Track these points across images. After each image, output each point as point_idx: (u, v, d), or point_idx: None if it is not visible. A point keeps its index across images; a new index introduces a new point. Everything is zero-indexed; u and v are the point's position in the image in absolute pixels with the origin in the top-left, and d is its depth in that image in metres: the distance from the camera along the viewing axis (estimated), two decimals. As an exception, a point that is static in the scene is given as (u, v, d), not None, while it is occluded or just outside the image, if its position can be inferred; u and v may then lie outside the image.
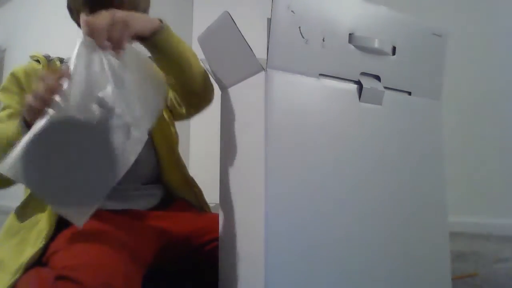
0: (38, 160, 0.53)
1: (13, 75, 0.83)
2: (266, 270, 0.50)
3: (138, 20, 0.64)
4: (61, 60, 0.90)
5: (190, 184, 0.89)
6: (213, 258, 0.66)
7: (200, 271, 0.74)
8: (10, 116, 0.79)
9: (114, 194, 0.77)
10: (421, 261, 0.64)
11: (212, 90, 0.82)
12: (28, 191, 0.82)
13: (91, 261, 0.54)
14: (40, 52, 0.91)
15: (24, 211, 0.71)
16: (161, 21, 0.69)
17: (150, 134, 0.84)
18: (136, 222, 0.72)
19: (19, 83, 0.81)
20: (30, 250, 0.62)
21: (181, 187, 0.88)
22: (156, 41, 0.67)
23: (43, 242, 0.62)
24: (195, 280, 0.76)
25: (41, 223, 0.66)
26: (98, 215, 0.69)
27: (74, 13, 0.86)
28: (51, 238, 0.64)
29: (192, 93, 0.80)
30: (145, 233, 0.70)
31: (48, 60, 0.87)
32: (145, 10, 0.89)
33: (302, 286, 0.52)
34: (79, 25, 0.85)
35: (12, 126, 0.65)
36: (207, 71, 0.72)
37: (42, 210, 0.68)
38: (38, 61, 0.85)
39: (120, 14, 0.60)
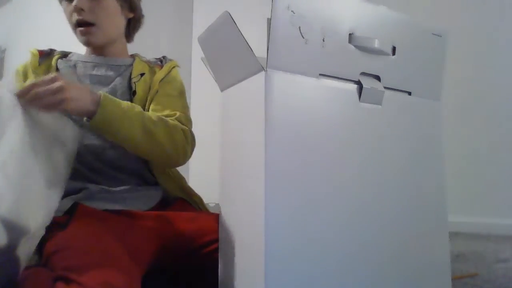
0: None
1: (17, 72, 0.86)
2: (266, 269, 0.50)
3: (75, 101, 0.63)
4: (65, 55, 0.90)
5: (189, 193, 0.89)
6: (213, 258, 0.66)
7: (200, 271, 0.74)
8: None
9: (110, 196, 0.77)
10: (421, 261, 0.64)
11: (185, 150, 0.81)
12: None
13: (91, 261, 0.54)
14: (43, 46, 0.92)
15: None
16: (101, 101, 0.68)
17: None
18: (135, 222, 0.72)
19: (20, 80, 0.83)
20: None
21: (180, 195, 0.88)
22: (90, 125, 0.68)
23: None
24: (195, 280, 0.76)
25: None
26: (97, 215, 0.69)
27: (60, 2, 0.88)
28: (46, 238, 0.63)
29: (155, 161, 0.81)
30: (144, 233, 0.70)
31: (47, 53, 0.88)
32: None
33: (302, 285, 0.52)
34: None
35: None
36: (209, 71, 0.72)
37: None
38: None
39: (61, 87, 0.61)
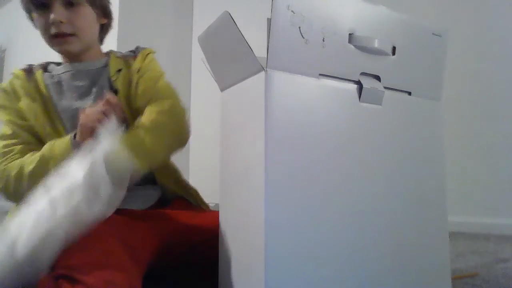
0: None
1: (4, 91, 0.85)
2: (266, 269, 0.50)
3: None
4: (45, 67, 0.90)
5: (185, 186, 0.90)
6: (213, 256, 0.66)
7: (200, 269, 0.74)
8: (13, 129, 0.81)
9: None
10: (421, 261, 0.64)
11: (184, 125, 0.83)
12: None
13: (92, 260, 0.54)
14: (42, 58, 0.92)
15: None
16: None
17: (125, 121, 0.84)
18: (135, 221, 0.72)
19: (10, 98, 0.83)
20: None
21: (176, 189, 0.88)
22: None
23: None
24: (195, 278, 0.76)
25: None
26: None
27: (32, 20, 0.86)
28: None
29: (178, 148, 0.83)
30: (144, 232, 0.70)
31: (29, 70, 0.87)
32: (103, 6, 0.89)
33: (302, 285, 0.52)
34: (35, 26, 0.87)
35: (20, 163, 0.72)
36: (209, 71, 0.72)
37: None
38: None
39: None
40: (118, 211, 0.73)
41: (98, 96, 0.83)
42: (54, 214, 0.50)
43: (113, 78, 0.86)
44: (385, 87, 0.63)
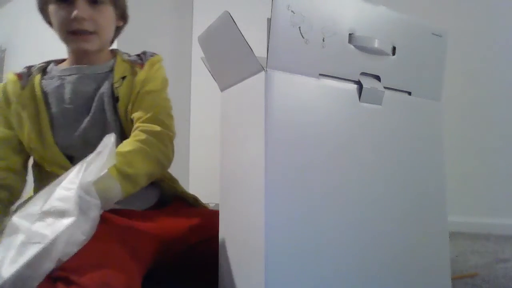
0: None
1: None
2: (266, 269, 0.50)
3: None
4: (44, 69, 0.87)
5: (183, 193, 0.89)
6: (213, 256, 0.66)
7: (200, 270, 0.74)
8: None
9: None
10: (421, 261, 0.64)
11: (167, 156, 0.81)
12: (31, 192, 0.82)
13: (91, 261, 0.54)
14: (42, 58, 0.90)
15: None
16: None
17: (121, 131, 0.84)
18: (135, 222, 0.72)
19: (0, 105, 0.82)
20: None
21: (175, 192, 0.88)
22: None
23: None
24: (195, 278, 0.76)
25: None
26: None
27: (45, 12, 0.84)
28: None
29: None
30: (144, 233, 0.70)
31: (27, 76, 0.85)
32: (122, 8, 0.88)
33: (302, 285, 0.52)
34: (51, 25, 0.85)
35: None
36: (209, 71, 0.72)
37: None
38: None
39: None
40: (118, 212, 0.73)
41: (98, 104, 0.82)
42: (46, 236, 0.50)
43: (116, 85, 0.83)
44: (385, 87, 0.63)
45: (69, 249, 0.51)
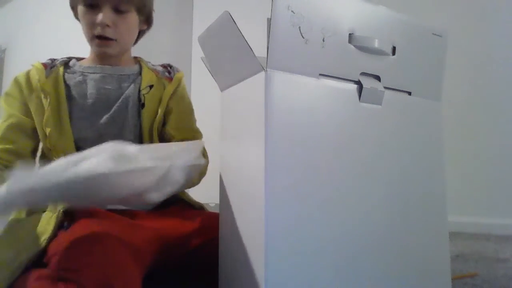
0: None
1: (17, 82, 0.85)
2: (266, 269, 0.50)
3: None
4: (67, 63, 0.90)
5: (190, 200, 0.90)
6: (213, 257, 0.66)
7: (200, 271, 0.74)
8: (11, 128, 0.81)
9: None
10: (421, 261, 0.64)
11: (203, 174, 0.88)
12: None
13: (92, 261, 0.54)
14: (42, 58, 0.92)
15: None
16: None
17: (140, 135, 0.86)
18: (135, 223, 0.72)
19: (21, 90, 0.84)
20: (30, 249, 0.62)
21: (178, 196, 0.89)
22: None
23: (45, 243, 0.62)
24: (194, 280, 0.76)
25: (43, 223, 0.66)
26: (99, 215, 0.69)
27: (75, 10, 0.88)
28: (51, 239, 0.63)
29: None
30: (145, 233, 0.70)
31: (51, 67, 0.87)
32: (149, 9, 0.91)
33: (302, 285, 0.52)
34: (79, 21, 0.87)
35: None
36: (209, 70, 0.72)
37: (42, 210, 0.68)
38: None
39: None
40: (120, 212, 0.73)
41: (122, 104, 0.85)
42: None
43: (143, 92, 0.87)
44: (385, 87, 0.63)
45: (164, 184, 0.54)
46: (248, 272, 0.55)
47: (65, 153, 0.80)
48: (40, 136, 0.84)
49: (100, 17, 0.81)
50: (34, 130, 0.84)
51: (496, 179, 1.67)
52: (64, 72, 0.88)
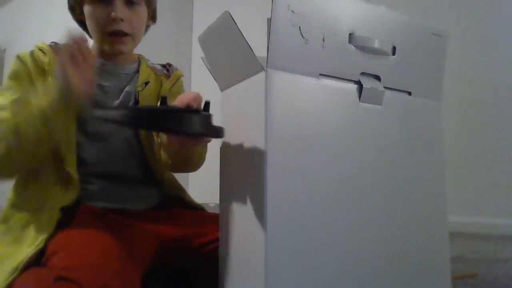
0: None
1: (22, 61, 0.78)
2: (266, 270, 0.50)
3: None
4: None
5: (191, 203, 0.89)
6: (213, 258, 0.66)
7: (200, 272, 0.74)
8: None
9: (109, 194, 0.77)
10: (421, 261, 0.64)
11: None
12: (16, 190, 0.79)
13: (91, 261, 0.54)
14: (46, 42, 0.89)
15: (17, 209, 0.71)
16: None
17: (139, 138, 0.84)
18: (135, 223, 0.72)
19: (28, 70, 0.77)
20: (28, 249, 0.62)
21: (175, 187, 0.88)
22: None
23: (43, 243, 0.62)
24: (195, 280, 0.76)
25: (41, 222, 0.66)
26: (98, 214, 0.69)
27: (76, 11, 0.84)
28: (49, 238, 0.63)
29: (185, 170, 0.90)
30: (144, 233, 0.70)
31: (55, 48, 0.81)
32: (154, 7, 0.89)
33: (302, 285, 0.52)
34: (80, 24, 0.85)
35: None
36: (209, 70, 0.72)
37: (40, 209, 0.68)
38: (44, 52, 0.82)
39: None
40: (118, 211, 0.73)
41: (124, 100, 0.83)
42: None
43: (138, 89, 0.84)
44: (385, 87, 0.63)
45: None
46: (248, 272, 0.55)
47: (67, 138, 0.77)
48: None
49: (115, 11, 0.76)
50: None
51: (496, 179, 1.67)
52: None
